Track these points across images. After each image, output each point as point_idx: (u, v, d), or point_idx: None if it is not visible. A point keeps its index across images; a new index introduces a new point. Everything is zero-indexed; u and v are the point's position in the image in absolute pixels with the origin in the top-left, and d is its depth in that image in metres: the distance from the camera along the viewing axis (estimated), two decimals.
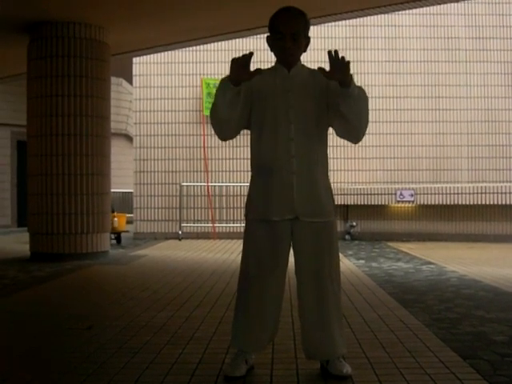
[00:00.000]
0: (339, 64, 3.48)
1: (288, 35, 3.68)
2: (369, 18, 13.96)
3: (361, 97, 3.66)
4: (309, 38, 3.85)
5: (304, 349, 3.87)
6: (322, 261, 3.73)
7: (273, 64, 3.87)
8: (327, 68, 3.56)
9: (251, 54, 3.52)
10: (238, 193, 14.54)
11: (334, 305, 3.77)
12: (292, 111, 3.73)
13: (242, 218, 4.07)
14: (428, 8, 14.23)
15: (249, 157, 3.94)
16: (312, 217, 3.71)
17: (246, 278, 3.81)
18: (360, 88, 3.70)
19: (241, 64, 3.53)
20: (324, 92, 3.75)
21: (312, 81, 3.80)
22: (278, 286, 3.80)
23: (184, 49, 14.23)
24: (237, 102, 3.64)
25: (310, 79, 3.81)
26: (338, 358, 3.77)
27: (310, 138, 3.75)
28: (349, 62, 3.49)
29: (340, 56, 3.48)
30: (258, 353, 3.92)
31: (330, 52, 3.49)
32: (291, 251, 3.80)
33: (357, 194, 13.98)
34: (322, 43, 14.64)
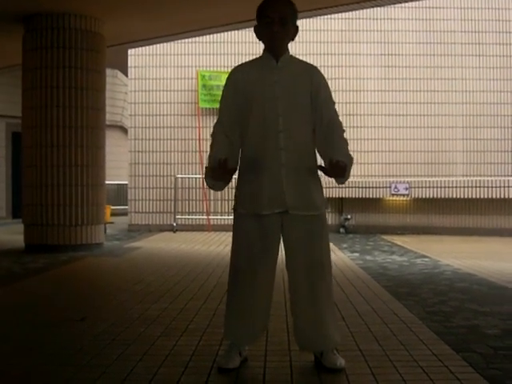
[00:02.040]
0: (336, 171, 3.58)
1: (276, 19, 3.67)
2: (364, 11, 13.96)
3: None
4: (297, 27, 3.83)
5: (297, 340, 3.87)
6: (313, 253, 3.73)
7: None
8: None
9: (226, 160, 3.55)
10: (233, 185, 14.51)
11: (327, 296, 3.77)
12: (280, 103, 3.71)
13: None
14: (423, 1, 14.25)
15: None
16: (302, 210, 3.70)
17: (237, 271, 3.81)
18: (350, 159, 3.74)
19: (222, 172, 3.59)
20: (312, 93, 3.74)
21: (301, 73, 3.79)
22: (269, 279, 3.80)
23: (179, 41, 14.19)
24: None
25: (298, 71, 3.80)
26: (332, 351, 3.77)
27: (299, 130, 3.73)
28: (346, 166, 3.57)
29: (337, 162, 3.54)
30: (250, 345, 3.92)
31: (331, 161, 3.55)
32: (281, 244, 3.80)
33: (351, 187, 13.97)
34: (317, 36, 14.65)
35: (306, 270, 3.73)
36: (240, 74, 3.80)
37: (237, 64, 3.98)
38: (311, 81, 3.76)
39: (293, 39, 3.83)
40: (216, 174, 3.65)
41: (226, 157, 3.59)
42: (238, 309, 3.81)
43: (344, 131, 3.82)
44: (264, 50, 3.82)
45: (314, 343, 3.80)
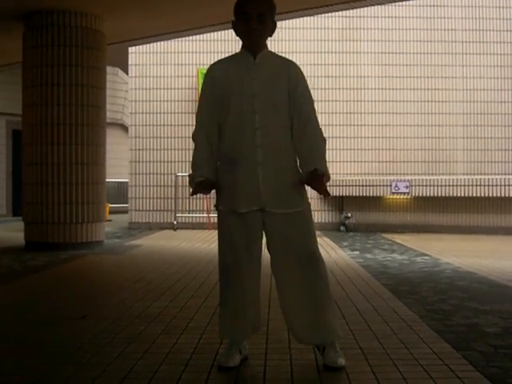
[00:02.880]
0: (315, 181, 3.62)
1: (254, 16, 3.63)
2: (365, 9, 13.95)
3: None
4: (275, 23, 3.79)
5: (298, 334, 3.82)
6: (303, 246, 3.71)
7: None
8: None
9: (204, 182, 3.67)
10: None
11: (324, 286, 3.75)
12: (257, 100, 3.69)
13: None
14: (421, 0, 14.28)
15: None
16: (279, 208, 3.69)
17: (224, 269, 3.82)
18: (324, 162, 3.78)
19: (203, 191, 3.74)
20: (289, 89, 3.72)
21: (279, 70, 3.76)
22: (254, 274, 3.80)
23: (180, 38, 14.20)
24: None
25: (276, 68, 3.77)
26: (334, 347, 3.75)
27: (276, 128, 3.71)
28: (323, 175, 3.63)
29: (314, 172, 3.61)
30: (245, 340, 3.89)
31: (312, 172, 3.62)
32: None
33: (352, 186, 13.98)
34: (317, 34, 14.64)
35: (299, 263, 3.71)
36: (218, 71, 3.78)
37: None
38: (289, 77, 3.73)
39: (271, 35, 3.80)
40: (197, 191, 3.72)
41: (204, 178, 3.69)
42: (229, 306, 3.81)
43: (320, 129, 3.81)
44: (242, 47, 3.80)
45: (316, 335, 3.77)
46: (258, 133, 3.67)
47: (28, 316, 5.26)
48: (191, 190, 3.77)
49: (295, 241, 3.71)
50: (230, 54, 3.94)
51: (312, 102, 3.80)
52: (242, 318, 3.80)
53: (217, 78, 3.75)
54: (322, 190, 3.63)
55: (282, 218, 3.70)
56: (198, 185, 3.68)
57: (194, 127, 3.84)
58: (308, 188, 3.73)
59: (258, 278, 3.83)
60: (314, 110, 3.80)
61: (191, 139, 3.85)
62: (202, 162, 3.76)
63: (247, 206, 3.69)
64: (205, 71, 3.90)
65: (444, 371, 3.64)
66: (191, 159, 3.84)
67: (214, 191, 3.83)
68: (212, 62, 3.92)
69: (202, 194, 3.81)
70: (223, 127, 3.74)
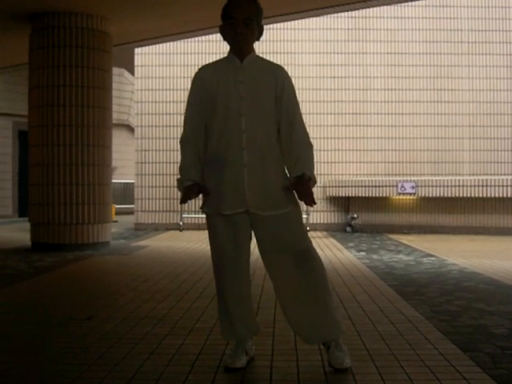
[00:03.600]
0: (302, 187, 3.67)
1: (240, 20, 3.63)
2: (371, 9, 13.95)
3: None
4: (262, 27, 3.78)
5: (302, 335, 3.82)
6: (293, 243, 3.70)
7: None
8: None
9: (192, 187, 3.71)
10: None
11: (321, 282, 3.73)
12: (243, 103, 3.69)
13: None
14: (431, 0, 14.24)
15: None
16: (264, 210, 3.69)
17: (216, 271, 3.84)
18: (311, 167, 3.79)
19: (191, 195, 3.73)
20: (276, 92, 3.72)
21: (265, 73, 3.76)
22: (244, 274, 3.81)
23: (186, 39, 14.22)
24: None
25: (262, 71, 3.77)
26: (339, 346, 3.74)
27: (262, 130, 3.71)
28: (309, 180, 3.70)
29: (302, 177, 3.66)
30: (247, 342, 3.88)
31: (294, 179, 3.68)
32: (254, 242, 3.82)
33: (358, 186, 13.97)
34: (324, 34, 14.63)
35: (292, 262, 3.70)
36: (205, 75, 3.78)
37: None
38: (276, 80, 3.73)
39: (258, 39, 3.79)
40: (186, 196, 3.73)
41: (193, 182, 3.71)
42: (224, 307, 3.83)
43: (306, 133, 3.80)
44: (229, 51, 3.80)
45: (321, 334, 3.76)
46: (244, 135, 3.68)
47: (34, 316, 5.27)
48: (180, 198, 3.79)
49: (286, 240, 3.71)
50: (218, 58, 3.95)
51: (298, 106, 3.80)
52: (236, 317, 3.81)
53: (204, 81, 3.76)
54: (308, 198, 3.65)
55: (268, 220, 3.70)
56: (187, 189, 3.71)
57: (182, 131, 3.84)
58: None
59: (247, 277, 3.84)
60: (300, 114, 3.80)
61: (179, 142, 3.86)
62: (189, 165, 3.77)
63: (232, 208, 3.69)
64: None
65: (450, 372, 3.63)
66: (179, 163, 3.85)
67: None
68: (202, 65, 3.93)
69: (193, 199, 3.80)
70: (210, 130, 3.75)
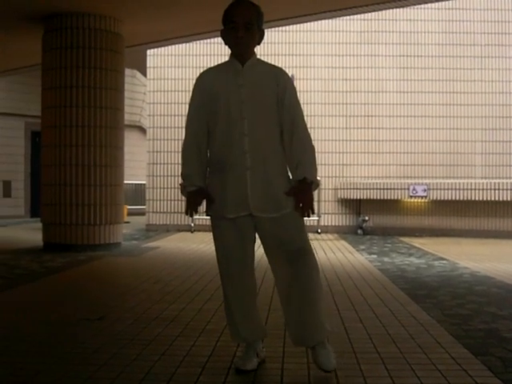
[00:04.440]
0: (303, 192, 3.67)
1: (241, 24, 3.64)
2: (384, 11, 13.92)
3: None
4: (263, 31, 3.79)
5: (290, 336, 3.83)
6: (291, 241, 3.69)
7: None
8: None
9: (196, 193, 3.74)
10: None
11: (314, 286, 3.72)
12: (245, 106, 3.69)
13: None
14: (443, 2, 14.18)
15: None
16: (268, 212, 3.68)
17: (222, 273, 3.84)
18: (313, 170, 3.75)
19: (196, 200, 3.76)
20: (278, 95, 3.71)
21: (266, 76, 3.75)
22: (249, 277, 3.81)
23: (199, 41, 14.23)
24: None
25: (264, 74, 3.77)
26: (323, 344, 3.73)
27: (265, 133, 3.71)
28: (311, 184, 3.69)
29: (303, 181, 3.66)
30: (258, 344, 3.88)
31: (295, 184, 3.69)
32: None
33: (369, 189, 13.96)
34: (336, 37, 14.62)
35: (289, 261, 3.70)
36: (207, 79, 3.80)
37: None
38: (277, 83, 3.72)
39: (259, 43, 3.80)
40: (190, 204, 3.76)
41: (196, 188, 3.74)
42: (231, 308, 3.84)
43: (309, 137, 3.76)
44: (230, 55, 3.81)
45: (307, 336, 3.74)
46: (246, 139, 3.68)
47: (46, 317, 5.28)
48: (185, 208, 3.79)
49: (283, 239, 3.71)
50: (220, 63, 3.96)
51: (300, 108, 3.78)
52: (241, 321, 3.81)
53: (206, 85, 3.77)
54: (307, 205, 3.66)
55: (269, 221, 3.70)
56: (191, 195, 3.73)
57: (184, 136, 3.85)
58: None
59: (252, 281, 3.85)
60: (302, 116, 3.78)
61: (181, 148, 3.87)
62: (192, 171, 3.78)
63: (235, 211, 3.70)
64: None
65: (462, 376, 3.62)
66: (181, 169, 3.86)
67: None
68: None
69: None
70: (212, 134, 3.75)
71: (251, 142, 3.68)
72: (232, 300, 3.81)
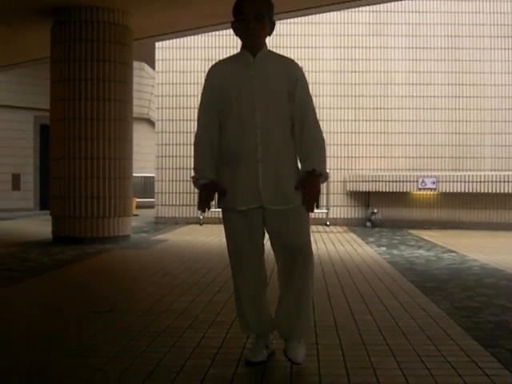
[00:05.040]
0: (311, 183, 3.67)
1: (252, 16, 3.63)
2: (392, 3, 13.89)
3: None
4: (274, 22, 3.78)
5: (277, 327, 3.84)
6: (292, 242, 3.70)
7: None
8: None
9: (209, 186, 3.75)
10: None
11: (304, 283, 3.72)
12: (257, 98, 3.68)
13: None
14: None
15: None
16: (278, 204, 3.68)
17: (232, 265, 3.85)
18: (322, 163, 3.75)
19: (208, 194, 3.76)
20: (289, 87, 3.70)
21: (278, 68, 3.74)
22: (260, 270, 3.81)
23: (207, 33, 14.22)
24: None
25: (275, 66, 3.75)
26: (298, 339, 3.73)
27: (276, 126, 3.70)
28: (320, 176, 3.70)
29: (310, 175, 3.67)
30: (268, 336, 3.89)
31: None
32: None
33: (378, 181, 13.94)
34: (345, 29, 14.58)
35: (285, 258, 3.72)
36: (218, 71, 3.80)
37: None
38: (288, 75, 3.72)
39: (270, 34, 3.79)
40: (203, 199, 3.76)
41: (208, 181, 3.74)
42: (241, 300, 3.84)
43: (319, 129, 3.76)
44: (241, 47, 3.80)
45: (286, 329, 3.76)
46: (258, 131, 3.67)
47: (56, 309, 5.30)
48: (198, 203, 3.79)
49: (285, 233, 3.71)
50: (231, 55, 3.95)
51: (311, 100, 3.78)
52: (250, 313, 3.82)
53: (217, 78, 3.76)
54: (313, 197, 3.66)
55: (277, 213, 3.70)
56: (203, 187, 3.74)
57: (196, 129, 3.85)
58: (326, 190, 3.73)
59: (262, 274, 3.85)
60: (313, 108, 3.78)
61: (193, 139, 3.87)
62: (204, 164, 3.79)
63: (247, 203, 3.70)
64: None
65: (472, 368, 3.62)
66: (193, 162, 3.86)
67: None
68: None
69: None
70: (224, 126, 3.75)
71: (263, 135, 3.67)
72: (242, 292, 3.81)
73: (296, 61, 3.87)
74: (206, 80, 3.82)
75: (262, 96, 3.69)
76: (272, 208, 3.69)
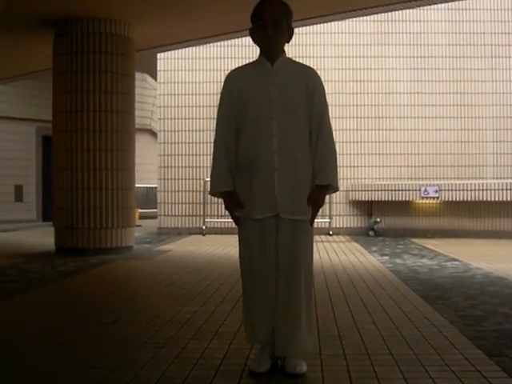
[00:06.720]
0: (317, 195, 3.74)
1: (270, 22, 3.64)
2: (394, 13, 13.91)
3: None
4: (292, 29, 3.79)
5: (275, 344, 3.79)
6: (292, 256, 3.70)
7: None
8: None
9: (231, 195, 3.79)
10: None
11: (304, 301, 3.73)
12: (274, 106, 3.69)
13: None
14: (453, 3, 14.14)
15: None
16: (292, 214, 3.69)
17: (244, 273, 3.84)
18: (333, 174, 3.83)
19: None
20: (307, 96, 3.72)
21: (297, 76, 3.75)
22: (271, 278, 3.77)
23: (209, 44, 14.24)
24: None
25: (294, 74, 3.76)
26: (295, 356, 3.73)
27: (293, 134, 3.70)
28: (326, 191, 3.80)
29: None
30: (270, 346, 3.85)
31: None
32: None
33: (381, 190, 13.93)
34: (346, 38, 14.60)
35: (287, 272, 3.72)
36: (236, 78, 3.81)
37: None
38: (307, 84, 3.73)
39: (288, 41, 3.80)
40: (230, 209, 3.82)
41: (227, 191, 3.78)
42: (250, 309, 3.83)
43: (333, 140, 3.80)
44: (260, 54, 3.81)
45: (284, 347, 3.74)
46: (274, 139, 3.68)
47: (59, 320, 5.30)
48: (230, 215, 3.84)
49: (289, 250, 3.71)
50: (249, 62, 3.96)
51: (327, 110, 3.81)
52: (263, 319, 3.79)
53: (234, 84, 3.78)
54: (316, 207, 3.71)
55: (291, 225, 3.71)
56: (226, 196, 3.79)
57: (214, 137, 3.86)
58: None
59: (274, 282, 3.80)
60: (329, 118, 3.80)
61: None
62: (221, 174, 3.80)
63: (262, 212, 3.70)
64: None
65: (476, 377, 3.61)
66: (211, 169, 3.87)
67: None
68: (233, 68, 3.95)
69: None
70: (241, 133, 3.76)
71: (280, 143, 3.67)
72: (252, 301, 3.80)
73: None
74: (223, 86, 3.84)
75: (280, 104, 3.69)
76: (287, 217, 3.69)
